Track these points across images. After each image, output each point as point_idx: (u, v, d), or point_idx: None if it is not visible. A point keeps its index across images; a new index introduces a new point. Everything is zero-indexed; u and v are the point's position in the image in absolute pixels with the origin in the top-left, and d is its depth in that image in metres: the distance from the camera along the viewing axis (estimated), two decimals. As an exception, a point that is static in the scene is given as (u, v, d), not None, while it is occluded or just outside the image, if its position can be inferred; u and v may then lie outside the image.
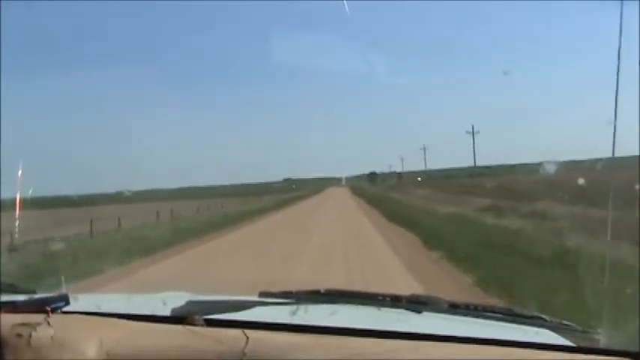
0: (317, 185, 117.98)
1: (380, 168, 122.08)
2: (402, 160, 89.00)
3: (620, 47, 1.58)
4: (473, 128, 53.75)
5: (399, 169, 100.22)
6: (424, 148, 73.42)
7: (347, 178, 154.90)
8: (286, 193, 68.22)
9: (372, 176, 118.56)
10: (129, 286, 8.06)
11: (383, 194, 51.90)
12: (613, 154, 1.75)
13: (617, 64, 1.60)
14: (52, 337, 1.14)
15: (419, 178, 76.13)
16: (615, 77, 1.60)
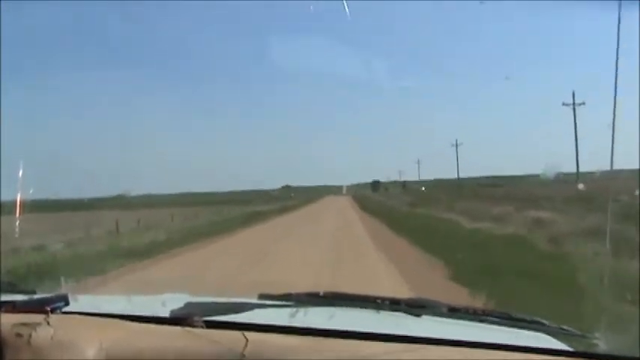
0: (313, 194, 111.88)
1: (380, 177, 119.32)
2: (419, 163, 79.48)
3: (617, 50, 1.58)
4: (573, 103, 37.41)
5: (400, 178, 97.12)
6: (456, 144, 61.32)
7: (348, 187, 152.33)
8: (257, 205, 45.50)
9: (375, 185, 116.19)
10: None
11: (412, 211, 31.44)
12: (612, 152, 1.73)
13: (617, 67, 1.60)
14: (51, 337, 1.15)
15: (423, 188, 70.16)
16: (617, 80, 1.59)
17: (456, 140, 61.29)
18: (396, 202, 46.07)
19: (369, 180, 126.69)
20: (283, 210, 40.96)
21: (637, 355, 1.20)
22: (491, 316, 1.43)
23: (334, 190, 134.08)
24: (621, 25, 1.59)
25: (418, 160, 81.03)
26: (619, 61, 1.62)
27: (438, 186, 68.45)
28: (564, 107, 36.96)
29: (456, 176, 66.53)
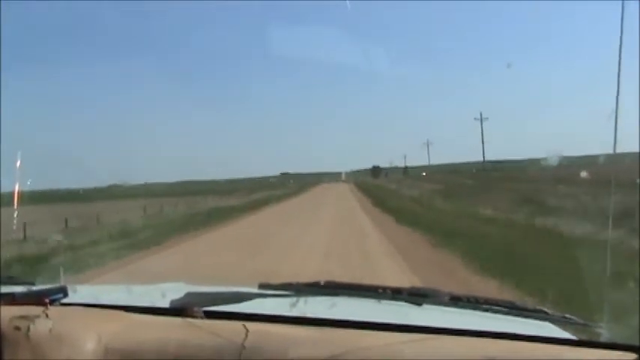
0: (311, 180, 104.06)
1: (381, 163, 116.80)
2: (428, 144, 70.43)
3: (621, 44, 1.57)
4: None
5: (401, 164, 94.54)
6: (481, 118, 50.40)
7: (347, 174, 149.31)
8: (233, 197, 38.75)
9: (376, 170, 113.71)
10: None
11: (465, 209, 19.34)
12: (614, 149, 1.73)
13: (618, 60, 1.58)
14: (50, 329, 1.14)
15: (424, 173, 66.20)
16: (616, 73, 1.58)
17: (481, 114, 49.87)
18: (415, 192, 33.96)
19: (369, 166, 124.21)
20: (261, 204, 31.14)
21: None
22: (494, 305, 1.42)
23: (333, 177, 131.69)
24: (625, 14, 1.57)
25: (427, 141, 71.63)
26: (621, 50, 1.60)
27: (452, 171, 57.31)
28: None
29: (470, 159, 56.88)
